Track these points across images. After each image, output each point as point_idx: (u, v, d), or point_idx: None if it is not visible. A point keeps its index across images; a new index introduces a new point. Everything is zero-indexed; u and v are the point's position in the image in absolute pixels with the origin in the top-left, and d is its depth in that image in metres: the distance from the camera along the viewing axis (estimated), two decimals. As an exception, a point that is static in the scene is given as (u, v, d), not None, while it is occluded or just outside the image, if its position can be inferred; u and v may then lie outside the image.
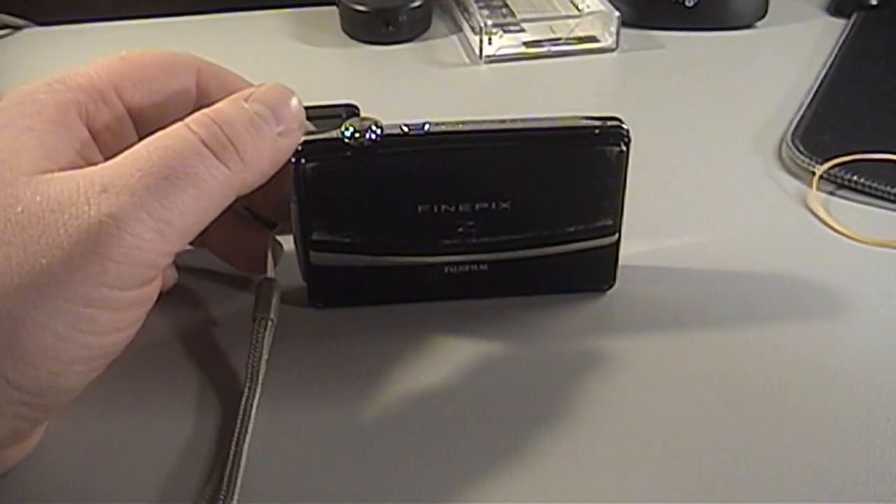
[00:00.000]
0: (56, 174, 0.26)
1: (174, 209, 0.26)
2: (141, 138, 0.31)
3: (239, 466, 0.29)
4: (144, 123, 0.31)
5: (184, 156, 0.26)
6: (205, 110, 0.29)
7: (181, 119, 0.32)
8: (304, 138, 0.32)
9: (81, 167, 0.27)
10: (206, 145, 0.27)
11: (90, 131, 0.30)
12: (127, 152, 0.27)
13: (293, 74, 0.56)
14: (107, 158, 0.28)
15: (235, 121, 0.28)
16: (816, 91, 0.52)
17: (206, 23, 0.64)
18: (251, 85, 0.34)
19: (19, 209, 0.25)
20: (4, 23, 0.63)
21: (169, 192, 0.26)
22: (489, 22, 0.57)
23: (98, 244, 0.24)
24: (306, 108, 0.36)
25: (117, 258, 0.25)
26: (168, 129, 0.28)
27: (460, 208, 0.34)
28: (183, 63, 0.32)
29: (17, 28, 0.63)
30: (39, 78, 0.29)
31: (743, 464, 0.30)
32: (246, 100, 0.29)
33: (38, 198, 0.25)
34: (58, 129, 0.28)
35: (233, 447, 0.30)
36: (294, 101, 0.31)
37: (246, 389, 0.32)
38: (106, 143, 0.30)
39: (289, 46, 0.60)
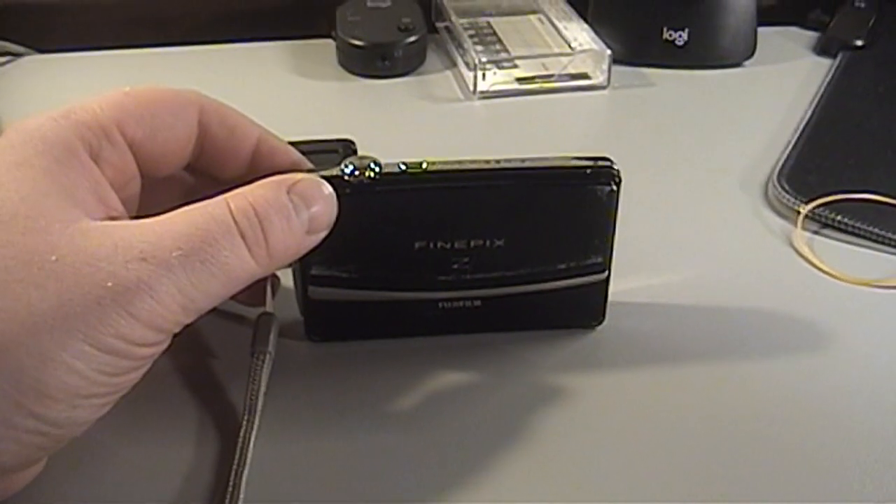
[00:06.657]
0: (90, 226, 0.28)
1: (201, 290, 0.28)
2: (142, 172, 0.32)
3: (237, 499, 0.30)
4: (146, 159, 0.32)
5: (221, 245, 0.28)
6: (248, 193, 0.29)
7: (181, 150, 0.33)
8: (304, 174, 0.32)
9: (103, 211, 0.29)
10: (243, 238, 0.29)
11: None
12: (167, 219, 0.28)
13: (290, 106, 0.57)
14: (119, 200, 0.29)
15: (274, 216, 0.29)
16: (802, 130, 0.53)
17: (204, 53, 0.64)
18: (252, 123, 0.34)
19: (53, 258, 0.26)
20: (5, 50, 0.63)
21: (202, 277, 0.28)
22: (483, 58, 0.59)
23: (130, 304, 0.26)
24: (303, 143, 0.37)
25: (143, 320, 0.27)
26: (211, 206, 0.29)
27: (455, 245, 0.34)
28: (186, 100, 0.33)
29: (18, 55, 0.64)
30: (39, 106, 0.30)
31: (729, 498, 0.31)
32: (289, 189, 0.30)
33: (74, 251, 0.26)
34: (71, 171, 0.29)
35: (231, 479, 0.30)
36: (332, 203, 0.32)
37: (244, 422, 0.32)
38: (108, 178, 0.31)
39: (286, 78, 0.61)
